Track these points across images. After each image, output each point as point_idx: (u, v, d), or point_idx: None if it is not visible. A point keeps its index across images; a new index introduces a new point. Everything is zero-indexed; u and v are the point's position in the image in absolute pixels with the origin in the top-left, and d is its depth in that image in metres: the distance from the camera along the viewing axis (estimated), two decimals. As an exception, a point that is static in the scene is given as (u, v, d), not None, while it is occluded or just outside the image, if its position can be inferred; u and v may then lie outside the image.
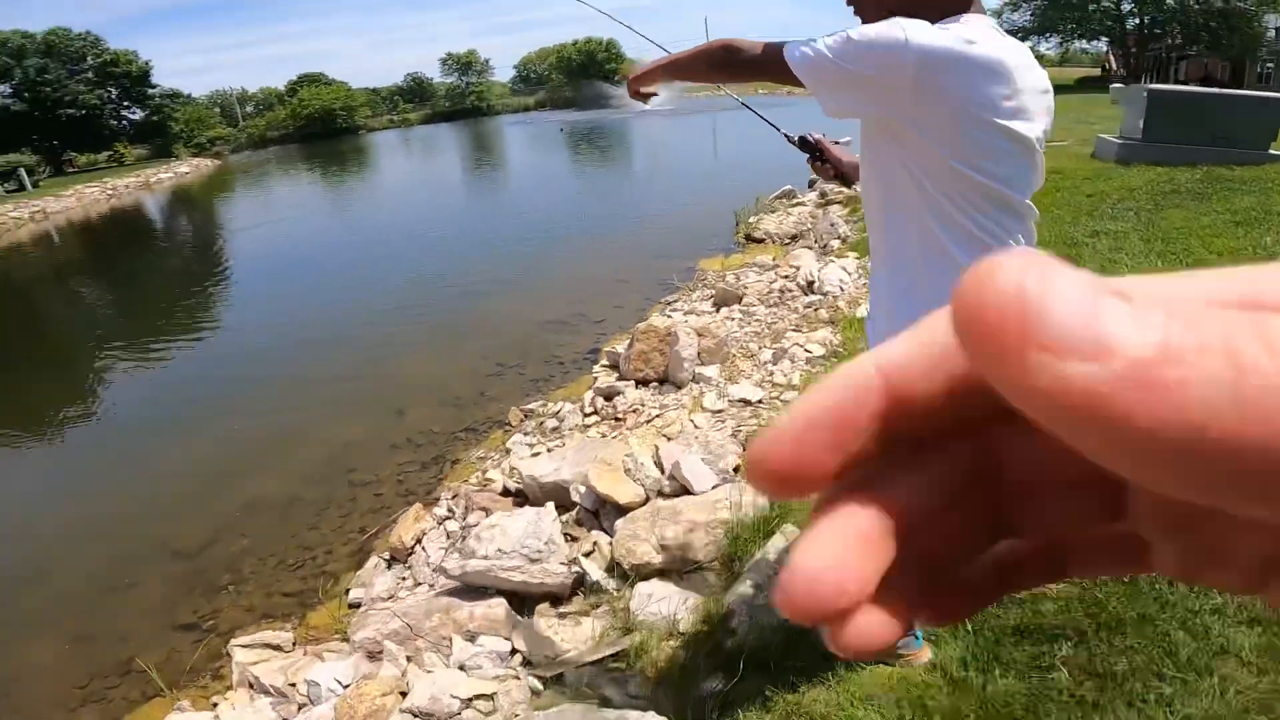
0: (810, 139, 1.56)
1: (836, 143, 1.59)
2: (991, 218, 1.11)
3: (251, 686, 2.03)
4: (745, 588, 2.00)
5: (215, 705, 2.04)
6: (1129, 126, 7.73)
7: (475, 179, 21.92)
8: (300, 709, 1.90)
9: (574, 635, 2.09)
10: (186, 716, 1.99)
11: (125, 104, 41.59)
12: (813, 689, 1.62)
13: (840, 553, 0.13)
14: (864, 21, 1.13)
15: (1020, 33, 28.77)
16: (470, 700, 1.80)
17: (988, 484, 0.14)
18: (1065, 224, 5.58)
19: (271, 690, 1.98)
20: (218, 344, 7.53)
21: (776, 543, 2.09)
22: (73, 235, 18.90)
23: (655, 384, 4.09)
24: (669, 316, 5.09)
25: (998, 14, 29.71)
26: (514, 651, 2.07)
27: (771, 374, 3.79)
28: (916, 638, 1.65)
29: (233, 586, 2.95)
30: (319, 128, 44.56)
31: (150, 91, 41.72)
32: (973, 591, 0.16)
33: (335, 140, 42.07)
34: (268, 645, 2.29)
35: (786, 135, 1.63)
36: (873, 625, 0.13)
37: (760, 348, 4.25)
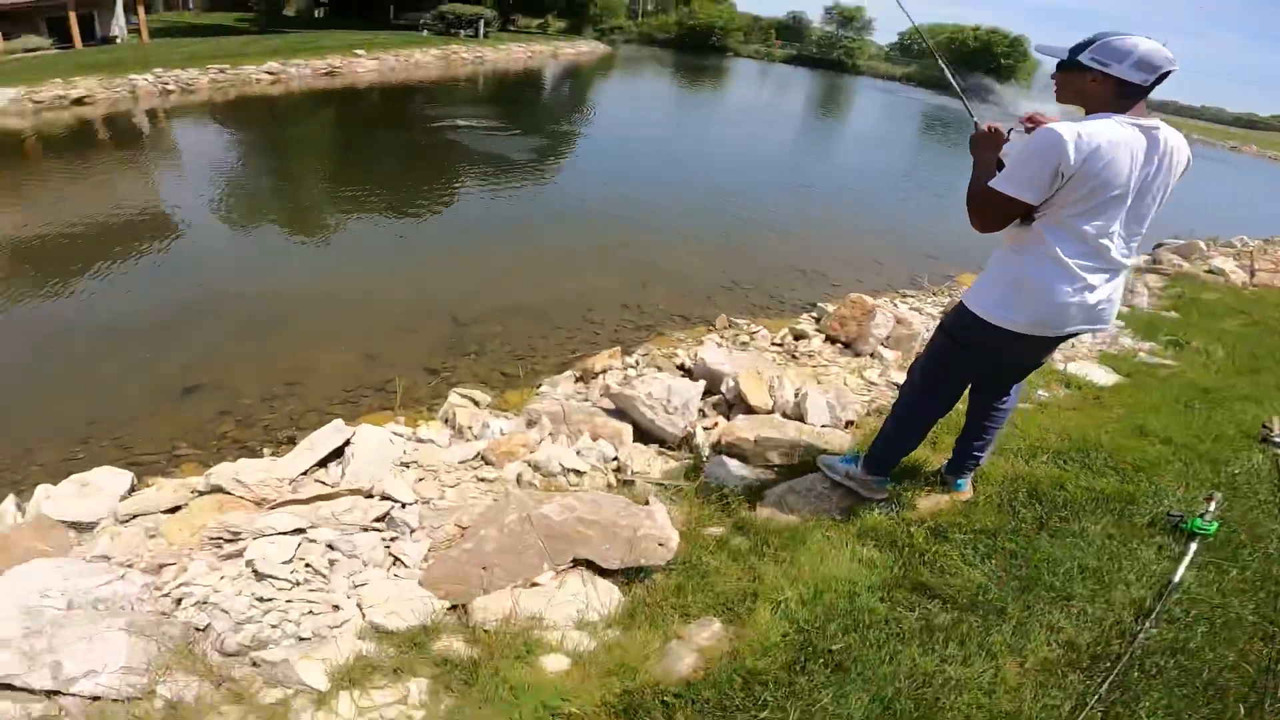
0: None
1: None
2: None
3: (446, 421, 3.21)
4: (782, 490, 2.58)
5: (418, 425, 3.23)
6: None
7: (814, 127, 22.04)
8: (467, 441, 3.00)
9: (658, 466, 2.87)
10: (398, 427, 3.13)
11: (560, -19, 48.29)
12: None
13: None
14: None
15: None
16: (568, 470, 2.70)
17: None
18: None
19: (458, 427, 3.14)
20: (550, 187, 9.63)
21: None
22: (493, 80, 23.67)
23: (841, 345, 4.50)
24: (896, 306, 5.30)
25: None
26: (615, 459, 2.90)
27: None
28: (959, 484, 2.40)
29: (474, 355, 4.36)
30: (695, 39, 47.25)
31: (581, -27, 47.71)
32: None
33: (703, 54, 44.52)
34: (472, 399, 3.50)
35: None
36: None
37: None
